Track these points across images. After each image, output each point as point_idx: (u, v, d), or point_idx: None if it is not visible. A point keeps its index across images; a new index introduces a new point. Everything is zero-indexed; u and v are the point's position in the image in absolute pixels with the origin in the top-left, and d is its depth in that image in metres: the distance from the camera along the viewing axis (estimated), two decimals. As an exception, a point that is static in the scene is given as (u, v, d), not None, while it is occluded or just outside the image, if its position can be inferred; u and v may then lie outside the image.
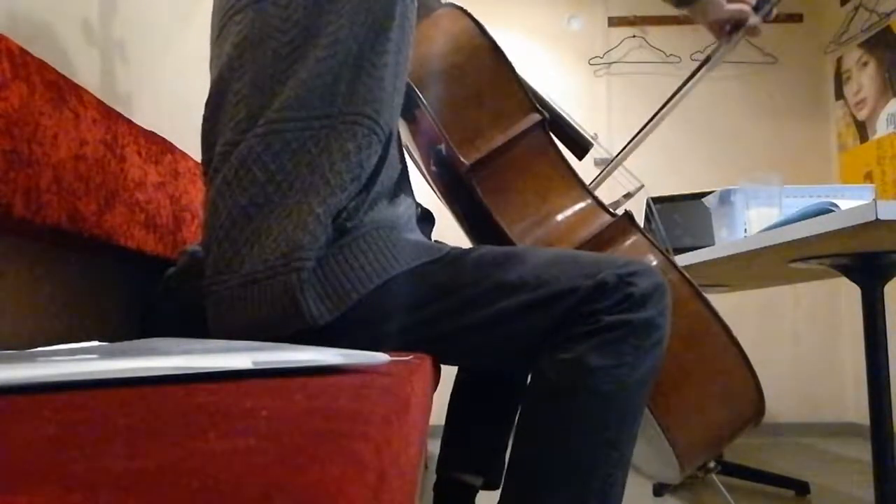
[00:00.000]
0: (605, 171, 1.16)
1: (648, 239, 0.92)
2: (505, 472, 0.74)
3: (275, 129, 0.73)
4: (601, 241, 0.92)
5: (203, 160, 0.83)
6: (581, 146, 1.11)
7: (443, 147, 0.96)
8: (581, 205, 0.96)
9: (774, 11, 1.07)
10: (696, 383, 0.86)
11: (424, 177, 1.15)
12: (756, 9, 1.06)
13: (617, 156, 1.16)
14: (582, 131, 1.11)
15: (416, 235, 0.82)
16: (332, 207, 0.71)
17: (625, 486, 0.72)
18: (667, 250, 0.93)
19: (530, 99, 0.97)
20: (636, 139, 1.15)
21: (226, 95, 0.78)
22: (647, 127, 1.14)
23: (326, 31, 0.74)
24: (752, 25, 1.05)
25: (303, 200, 0.71)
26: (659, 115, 1.14)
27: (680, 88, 1.14)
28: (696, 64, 1.18)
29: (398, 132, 0.86)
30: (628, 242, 0.92)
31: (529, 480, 0.71)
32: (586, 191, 0.97)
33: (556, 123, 1.10)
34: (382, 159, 0.78)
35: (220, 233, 0.74)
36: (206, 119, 0.82)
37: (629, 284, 0.69)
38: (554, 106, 1.10)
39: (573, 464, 0.69)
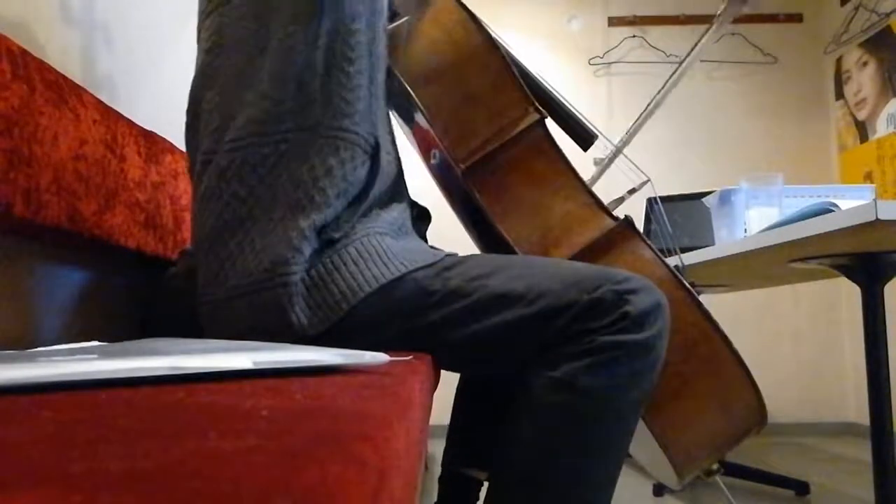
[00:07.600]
0: (609, 158, 1.15)
1: (648, 245, 0.90)
2: (489, 483, 0.73)
3: (245, 143, 0.71)
4: (600, 246, 0.89)
5: (189, 164, 0.83)
6: (585, 138, 1.09)
7: (438, 150, 0.94)
8: (581, 207, 0.93)
9: None
10: (694, 393, 0.85)
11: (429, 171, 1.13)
12: None
13: (618, 146, 1.15)
14: (586, 122, 1.09)
15: (411, 239, 0.80)
16: (318, 223, 0.70)
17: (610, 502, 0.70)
18: (669, 251, 0.92)
19: (528, 97, 0.93)
20: (645, 113, 1.15)
21: (201, 103, 0.78)
22: (654, 101, 1.14)
23: (274, 42, 0.72)
24: None
25: (287, 216, 0.70)
26: (661, 93, 1.14)
27: (689, 53, 1.14)
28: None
29: (392, 132, 0.85)
30: (627, 248, 0.90)
31: (512, 495, 0.69)
32: (587, 192, 0.94)
33: (559, 115, 1.08)
34: (373, 171, 0.76)
35: (204, 245, 0.74)
36: (187, 126, 0.81)
37: (627, 303, 0.67)
38: (557, 96, 1.08)
39: (557, 481, 0.67)
